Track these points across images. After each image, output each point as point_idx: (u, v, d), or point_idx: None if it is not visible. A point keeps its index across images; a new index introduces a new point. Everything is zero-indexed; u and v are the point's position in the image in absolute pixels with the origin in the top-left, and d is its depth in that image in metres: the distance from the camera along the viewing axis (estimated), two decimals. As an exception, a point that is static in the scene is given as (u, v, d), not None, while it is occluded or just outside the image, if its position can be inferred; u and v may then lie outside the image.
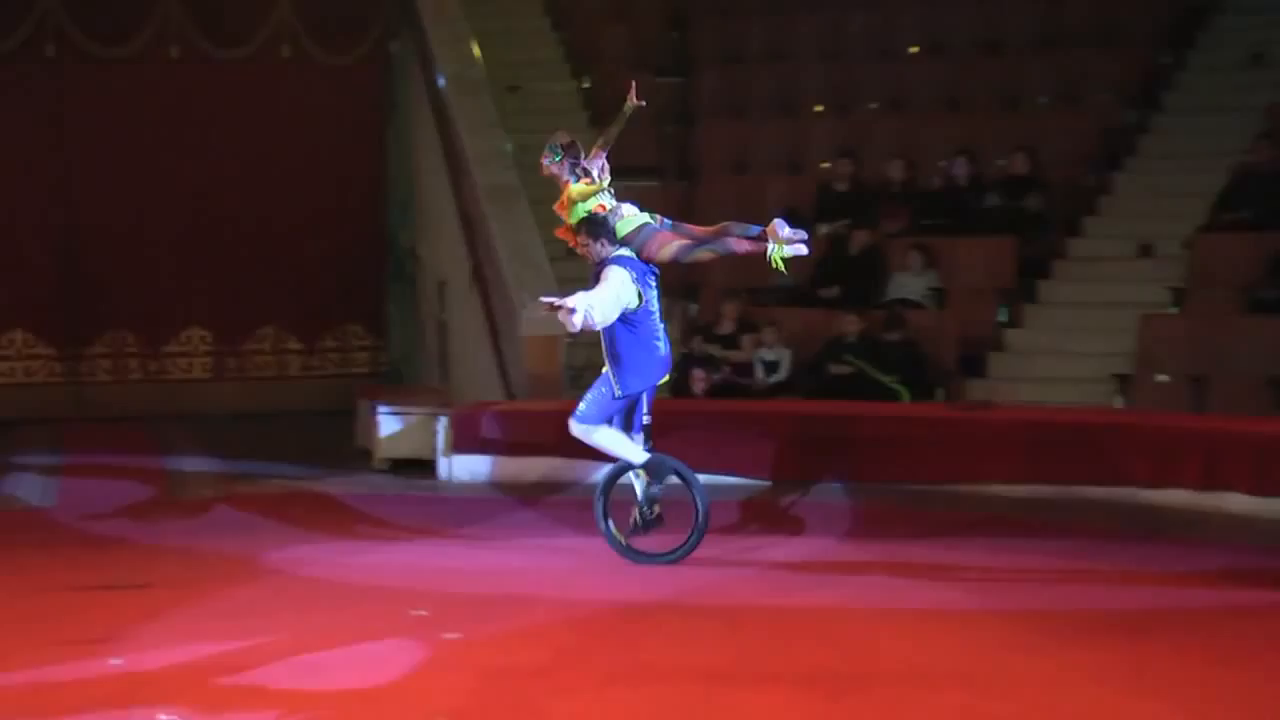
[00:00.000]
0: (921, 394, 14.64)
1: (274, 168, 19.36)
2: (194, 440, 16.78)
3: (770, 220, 9.78)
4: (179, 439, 16.92)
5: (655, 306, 9.99)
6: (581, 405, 9.92)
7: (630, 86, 10.04)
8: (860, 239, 16.09)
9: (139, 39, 19.21)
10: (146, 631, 8.46)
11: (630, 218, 9.98)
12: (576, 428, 9.93)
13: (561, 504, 12.60)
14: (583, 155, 10.04)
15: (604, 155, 10.04)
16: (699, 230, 10.00)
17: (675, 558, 10.01)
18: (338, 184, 19.54)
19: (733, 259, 10.31)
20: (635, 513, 10.12)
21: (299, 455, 15.43)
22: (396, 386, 18.16)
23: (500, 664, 7.76)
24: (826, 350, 14.99)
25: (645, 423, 10.05)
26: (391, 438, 14.63)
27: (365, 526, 11.79)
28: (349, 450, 15.73)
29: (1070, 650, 7.97)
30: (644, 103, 10.14)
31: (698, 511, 9.92)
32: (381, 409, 14.76)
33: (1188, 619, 8.71)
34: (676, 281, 17.12)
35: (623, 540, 10.13)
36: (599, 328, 9.67)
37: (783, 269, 9.85)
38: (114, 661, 7.83)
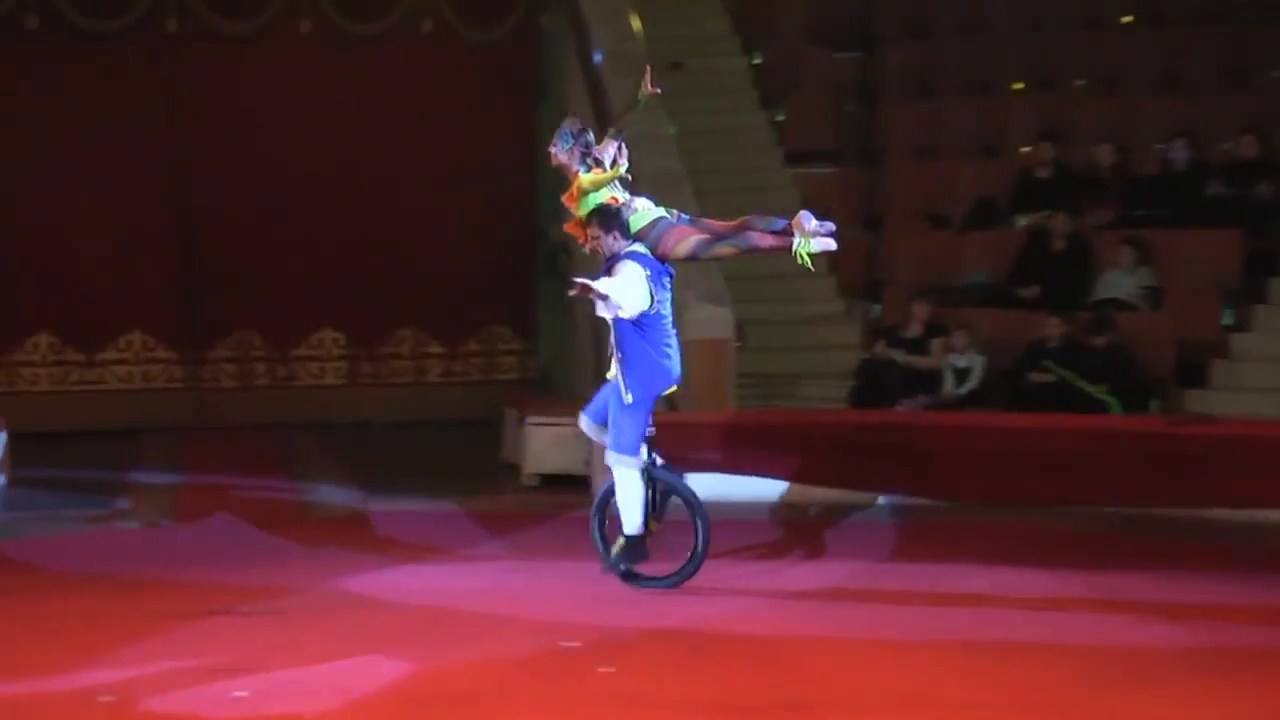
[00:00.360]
0: (1133, 406, 14.40)
1: (411, 154, 19.46)
2: (325, 453, 17.01)
3: (797, 213, 9.95)
4: (309, 451, 17.15)
5: (668, 310, 10.11)
6: (612, 433, 10.06)
7: (646, 72, 10.23)
8: (1063, 232, 15.87)
9: (267, 12, 19.37)
10: (275, 659, 8.57)
11: (644, 212, 10.10)
12: (612, 458, 10.07)
13: (722, 525, 12.53)
14: (594, 143, 10.21)
15: (616, 144, 10.18)
16: (719, 225, 10.12)
17: (673, 582, 10.13)
18: (482, 172, 19.61)
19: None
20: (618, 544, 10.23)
21: (439, 469, 15.52)
22: (547, 395, 18.27)
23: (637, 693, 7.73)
24: (1025, 357, 14.82)
25: (648, 434, 10.16)
26: (541, 451, 14.70)
27: (508, 549, 11.82)
28: (494, 464, 15.80)
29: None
30: (659, 90, 10.34)
31: (698, 537, 10.05)
32: (530, 419, 14.84)
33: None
34: (858, 280, 17.06)
35: (620, 563, 10.21)
36: (627, 317, 9.82)
37: (809, 266, 10.01)
38: (238, 694, 7.93)
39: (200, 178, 19.37)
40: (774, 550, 11.74)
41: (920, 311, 15.39)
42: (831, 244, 9.92)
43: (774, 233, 9.96)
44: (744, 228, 10.02)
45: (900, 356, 15.14)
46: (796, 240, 9.88)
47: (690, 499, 10.17)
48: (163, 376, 19.59)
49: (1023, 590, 10.24)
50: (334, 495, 14.46)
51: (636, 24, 17.70)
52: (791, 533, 12.42)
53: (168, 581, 10.73)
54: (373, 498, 14.14)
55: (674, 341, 10.09)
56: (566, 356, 19.45)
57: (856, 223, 17.64)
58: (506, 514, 13.38)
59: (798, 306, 16.71)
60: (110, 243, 19.20)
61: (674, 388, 10.24)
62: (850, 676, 8.29)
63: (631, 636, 9.10)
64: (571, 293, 9.81)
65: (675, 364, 10.09)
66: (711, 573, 10.22)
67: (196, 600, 10.08)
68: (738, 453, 13.56)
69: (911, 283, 16.15)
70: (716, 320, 14.62)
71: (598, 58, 17.52)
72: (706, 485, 13.34)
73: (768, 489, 13.54)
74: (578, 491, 13.96)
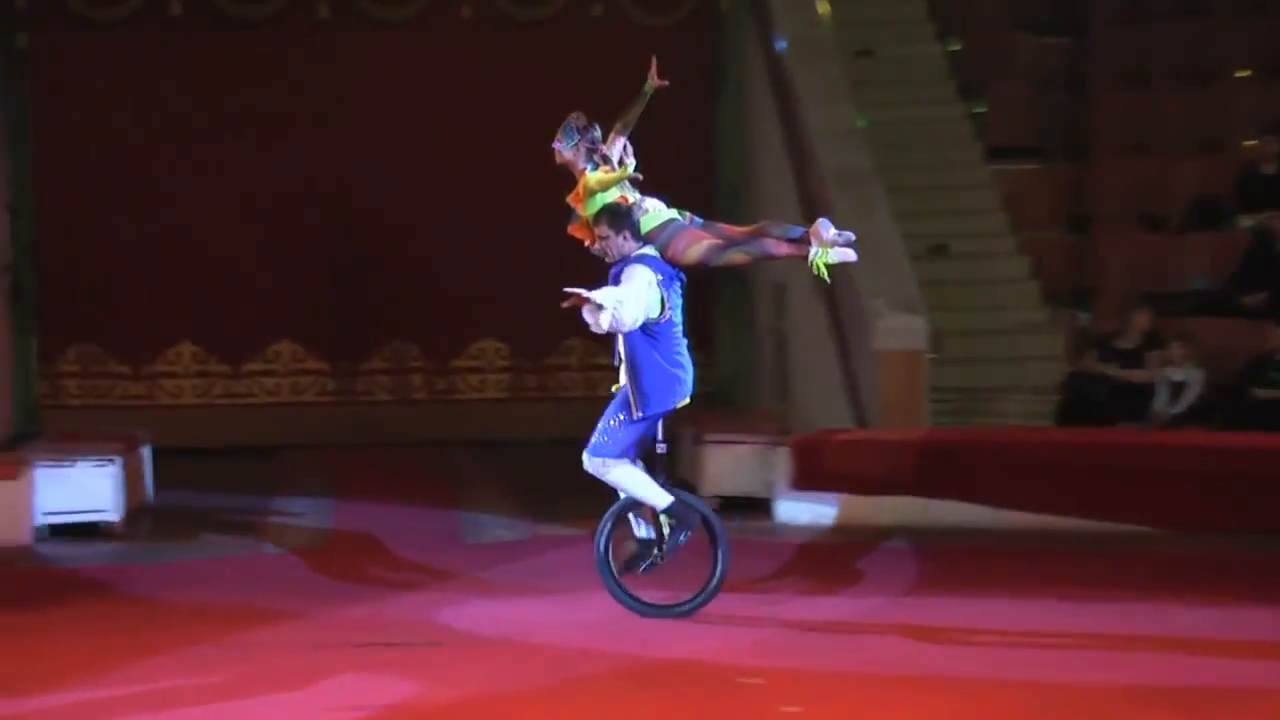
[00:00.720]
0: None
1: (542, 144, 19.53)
2: (487, 473, 17.17)
3: (815, 221, 10.08)
4: (469, 471, 17.29)
5: (680, 317, 10.21)
6: (595, 435, 10.19)
7: (651, 64, 10.50)
8: (1293, 233, 15.74)
9: (427, -6, 19.52)
10: (439, 695, 8.67)
11: (655, 213, 10.24)
12: (590, 462, 10.20)
13: (903, 553, 12.66)
14: (600, 139, 10.40)
15: (624, 140, 10.37)
16: (733, 230, 10.31)
17: (686, 611, 10.24)
18: (655, 169, 19.28)
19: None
20: (628, 548, 10.34)
21: (608, 492, 15.59)
22: (725, 411, 18.25)
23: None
24: (1250, 370, 14.69)
25: (661, 451, 10.36)
26: (719, 472, 14.77)
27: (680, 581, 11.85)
28: (670, 486, 15.83)
29: None
30: (666, 82, 10.52)
31: (717, 563, 10.20)
32: (708, 438, 14.92)
33: None
34: (1063, 287, 16.95)
35: (628, 591, 10.32)
36: (626, 330, 9.87)
37: (825, 277, 10.15)
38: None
39: (354, 175, 19.55)
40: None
41: (1140, 320, 15.27)
42: (851, 255, 10.10)
43: (790, 240, 10.16)
44: (759, 234, 10.22)
45: (1113, 370, 15.05)
46: (814, 250, 10.06)
47: (709, 520, 10.28)
48: (313, 389, 19.89)
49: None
50: (496, 520, 14.60)
51: (824, 7, 17.72)
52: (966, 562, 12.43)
53: (321, 611, 10.88)
54: (538, 523, 14.29)
55: (686, 351, 10.21)
56: (747, 369, 19.53)
57: (1061, 224, 17.58)
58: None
59: (997, 315, 16.71)
60: (257, 245, 19.53)
61: (686, 401, 10.25)
62: None
63: (811, 675, 9.12)
64: (564, 304, 9.80)
65: (689, 376, 10.19)
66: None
67: (351, 631, 10.22)
68: (932, 474, 13.58)
69: (1122, 290, 16.05)
70: (909, 330, 14.68)
71: (781, 45, 17.59)
72: (898, 509, 13.45)
73: (965, 514, 13.51)
74: (760, 515, 14.11)
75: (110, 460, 14.31)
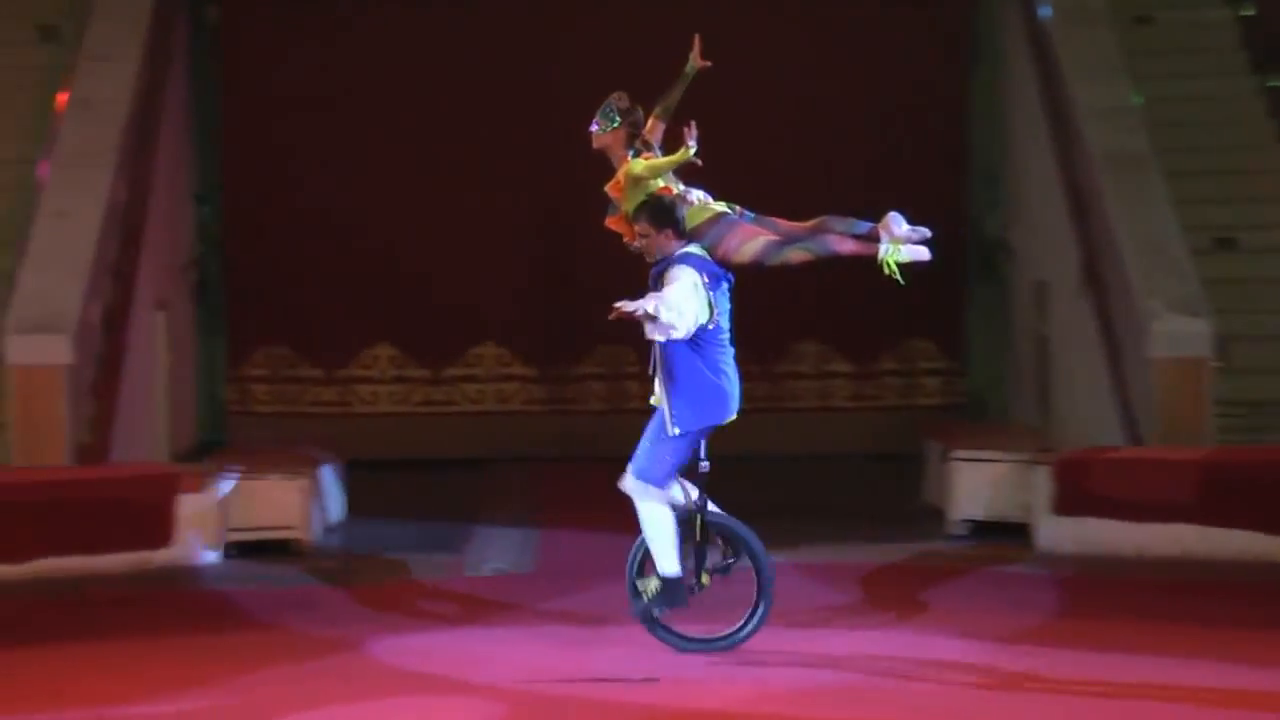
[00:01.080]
0: None
1: (815, 129, 19.48)
2: (710, 490, 16.86)
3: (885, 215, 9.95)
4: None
5: (727, 323, 10.21)
6: (637, 456, 10.13)
7: (695, 42, 10.43)
8: None
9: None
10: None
11: (702, 206, 10.13)
12: (632, 484, 10.11)
13: (1192, 588, 12.31)
14: (643, 123, 10.34)
15: (664, 126, 10.31)
16: (791, 225, 10.19)
17: (727, 644, 10.18)
18: (900, 151, 19.49)
19: None
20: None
21: (846, 513, 15.55)
22: (978, 424, 18.18)
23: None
24: None
25: (703, 469, 10.27)
26: (972, 492, 14.57)
27: (930, 613, 11.58)
28: (913, 508, 15.72)
29: None
30: (710, 63, 10.38)
31: (760, 592, 10.15)
32: (958, 454, 14.73)
33: None
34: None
35: (664, 624, 10.21)
36: (682, 337, 9.86)
37: (897, 276, 10.05)
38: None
39: (565, 163, 19.37)
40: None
41: None
42: (924, 253, 10.06)
43: (857, 236, 10.09)
44: (820, 229, 10.12)
45: None
46: (884, 247, 10.02)
47: (751, 545, 10.22)
48: (519, 396, 19.92)
49: None
50: (714, 545, 14.37)
51: (1095, -32, 17.46)
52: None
53: (528, 637, 10.95)
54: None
55: (732, 361, 10.15)
56: (1003, 377, 19.40)
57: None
58: (927, 568, 13.19)
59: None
60: (459, 240, 19.59)
61: (731, 419, 10.16)
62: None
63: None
64: (611, 317, 9.74)
65: (736, 388, 10.15)
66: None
67: (556, 659, 10.24)
68: (1219, 500, 13.20)
69: None
70: (1190, 335, 14.47)
71: (1045, 11, 17.44)
72: (1179, 538, 13.12)
73: (1259, 546, 13.07)
74: (1018, 542, 13.84)
75: (302, 474, 14.50)
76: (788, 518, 14.92)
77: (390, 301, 19.63)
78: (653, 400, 10.18)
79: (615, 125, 10.36)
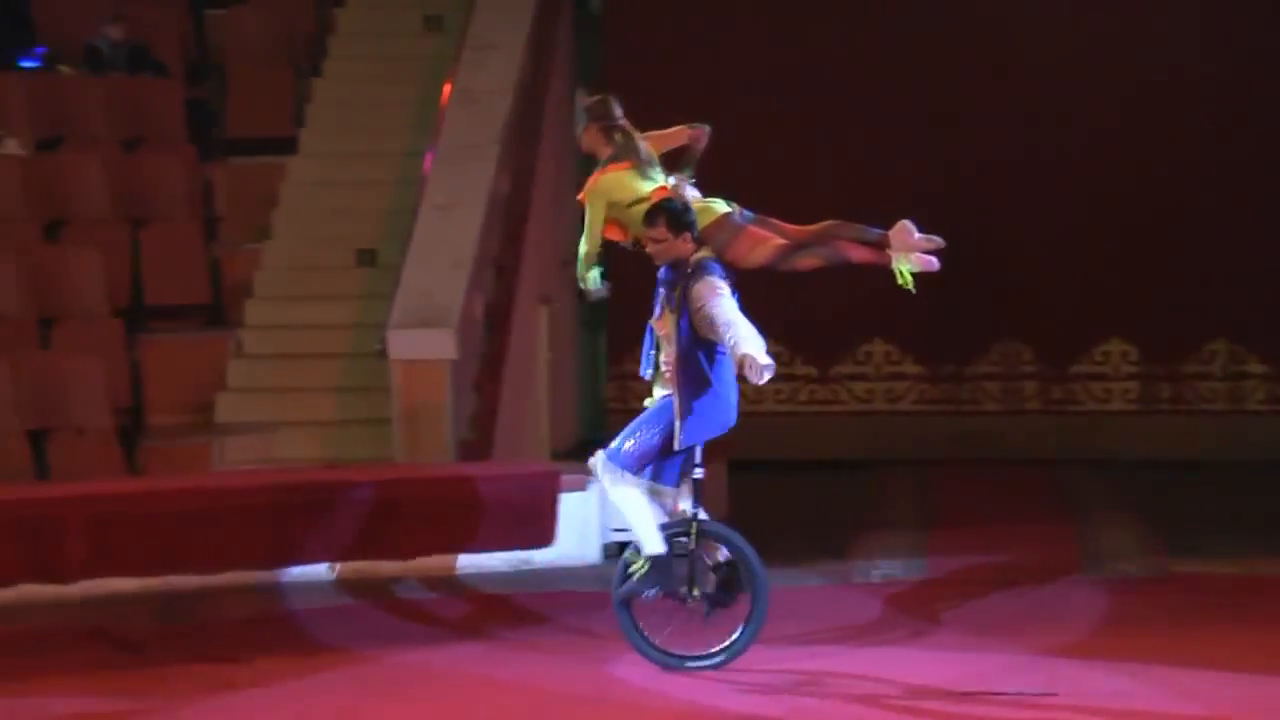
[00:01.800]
0: None
1: (1213, 104, 18.99)
2: (1113, 496, 16.86)
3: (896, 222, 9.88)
4: (1095, 494, 17.02)
5: None
6: (620, 438, 10.15)
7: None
8: None
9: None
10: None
11: (704, 208, 10.13)
12: (603, 465, 10.12)
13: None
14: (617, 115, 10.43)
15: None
16: (794, 229, 10.14)
17: (719, 661, 10.16)
18: None
19: None
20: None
21: (1263, 523, 15.14)
22: None
23: None
24: None
25: (697, 477, 10.23)
26: None
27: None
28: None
29: None
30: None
31: (753, 605, 10.12)
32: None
33: None
34: None
35: (650, 641, 10.23)
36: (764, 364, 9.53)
37: (909, 285, 10.03)
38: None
39: (959, 135, 19.30)
40: None
41: None
42: (933, 263, 10.01)
43: (867, 243, 10.02)
44: (828, 235, 10.05)
45: None
46: (894, 255, 9.99)
47: (744, 556, 10.18)
48: (909, 396, 19.70)
49: None
50: (1119, 551, 14.24)
51: None
52: None
53: (918, 649, 10.94)
54: (1175, 558, 13.89)
55: (733, 367, 9.90)
56: None
57: None
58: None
59: None
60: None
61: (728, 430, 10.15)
62: None
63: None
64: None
65: (736, 397, 10.14)
66: None
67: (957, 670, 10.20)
68: None
69: None
70: None
71: None
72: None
73: None
74: None
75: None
76: (1202, 526, 15.07)
77: (783, 291, 19.53)
78: (648, 402, 10.20)
79: (584, 125, 10.50)
